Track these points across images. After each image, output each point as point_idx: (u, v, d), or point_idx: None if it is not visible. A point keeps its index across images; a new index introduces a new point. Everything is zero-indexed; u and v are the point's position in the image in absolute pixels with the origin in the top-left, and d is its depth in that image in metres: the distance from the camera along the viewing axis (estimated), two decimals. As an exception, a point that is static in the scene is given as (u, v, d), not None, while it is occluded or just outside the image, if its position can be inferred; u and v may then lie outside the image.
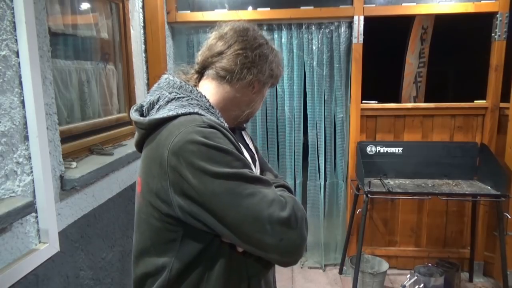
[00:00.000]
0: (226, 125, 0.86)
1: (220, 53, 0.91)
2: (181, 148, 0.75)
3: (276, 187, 0.91)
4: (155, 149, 0.80)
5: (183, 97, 0.87)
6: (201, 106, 0.86)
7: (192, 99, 0.87)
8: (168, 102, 0.86)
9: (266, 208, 0.75)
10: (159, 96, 0.88)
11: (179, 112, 0.81)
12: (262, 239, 0.75)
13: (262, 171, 1.03)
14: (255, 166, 1.00)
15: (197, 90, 0.90)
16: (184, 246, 0.82)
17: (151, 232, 0.85)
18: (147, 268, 0.86)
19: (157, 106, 0.87)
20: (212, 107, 0.88)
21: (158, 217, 0.82)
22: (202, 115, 0.82)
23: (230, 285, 0.85)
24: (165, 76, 0.93)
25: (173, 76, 0.93)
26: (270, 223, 0.75)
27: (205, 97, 0.89)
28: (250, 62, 0.91)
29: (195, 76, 0.97)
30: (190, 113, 0.82)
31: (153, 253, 0.85)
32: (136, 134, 0.91)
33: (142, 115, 0.91)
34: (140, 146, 0.90)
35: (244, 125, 1.08)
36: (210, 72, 0.93)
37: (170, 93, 0.87)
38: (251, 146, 1.05)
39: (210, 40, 0.94)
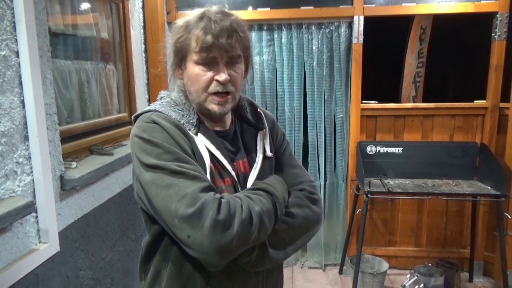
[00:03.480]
0: (192, 120, 0.93)
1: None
2: (131, 141, 0.89)
3: (253, 189, 0.91)
4: None
5: (163, 96, 1.00)
6: (170, 103, 0.95)
7: (167, 96, 0.99)
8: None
9: (176, 202, 0.77)
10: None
11: (143, 110, 0.94)
12: (175, 233, 0.79)
13: (264, 174, 0.99)
14: (251, 167, 0.98)
15: (178, 90, 0.98)
16: (152, 226, 0.93)
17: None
18: (144, 240, 0.99)
19: None
20: (185, 103, 0.95)
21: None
22: (158, 111, 0.91)
23: (186, 271, 0.90)
24: None
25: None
26: (176, 217, 0.77)
27: (182, 95, 0.97)
28: (170, 53, 0.95)
29: None
30: (148, 111, 0.93)
31: (147, 227, 0.98)
32: None
33: None
34: None
35: (265, 124, 1.05)
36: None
37: (162, 95, 1.01)
38: (260, 146, 1.02)
39: None
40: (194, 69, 0.90)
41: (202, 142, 0.91)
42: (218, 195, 0.81)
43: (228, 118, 1.02)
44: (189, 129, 0.91)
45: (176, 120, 0.90)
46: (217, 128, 0.99)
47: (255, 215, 0.81)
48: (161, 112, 0.91)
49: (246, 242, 0.80)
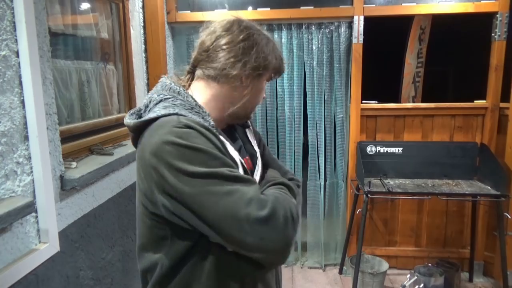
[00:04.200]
0: (211, 123, 0.86)
1: (206, 51, 0.91)
2: (158, 149, 0.77)
3: (273, 185, 0.91)
4: (141, 151, 0.83)
5: (169, 98, 0.88)
6: (185, 106, 0.86)
7: (177, 99, 0.88)
8: (156, 104, 0.88)
9: (244, 207, 0.74)
10: (150, 99, 0.90)
11: (160, 114, 0.83)
12: (242, 239, 0.75)
13: (265, 169, 1.01)
14: (255, 164, 1.00)
15: (184, 90, 0.91)
16: (174, 243, 0.84)
17: (145, 229, 0.88)
18: (145, 264, 0.89)
19: (148, 109, 0.89)
20: (199, 107, 0.88)
21: (148, 215, 0.85)
22: (183, 115, 0.83)
23: (222, 284, 0.85)
24: (161, 79, 0.96)
25: (167, 79, 0.94)
26: (248, 222, 0.74)
27: (192, 97, 0.90)
28: (234, 57, 0.88)
29: (188, 76, 0.97)
30: (169, 114, 0.83)
31: (149, 249, 0.88)
32: (130, 137, 0.94)
33: (140, 118, 0.92)
34: (136, 147, 0.92)
35: (249, 122, 1.07)
36: (198, 72, 0.94)
37: (158, 95, 0.89)
38: (254, 143, 1.04)
39: (200, 39, 0.94)
40: (263, 85, 0.96)
41: (229, 144, 0.90)
42: (278, 194, 0.85)
43: None
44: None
45: (205, 124, 0.84)
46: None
47: (296, 209, 0.84)
48: (185, 116, 0.83)
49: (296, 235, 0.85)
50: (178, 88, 0.91)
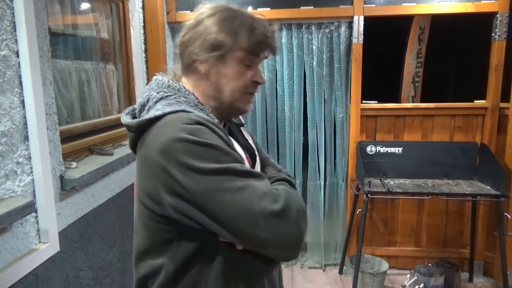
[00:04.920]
0: (216, 121, 0.85)
1: (185, 44, 0.89)
2: (168, 147, 0.74)
3: (276, 181, 0.91)
4: (145, 150, 0.80)
5: (170, 95, 0.86)
6: (189, 103, 0.85)
7: (179, 96, 0.86)
8: (156, 102, 0.85)
9: (258, 201, 0.73)
10: (148, 97, 0.87)
11: (166, 111, 0.80)
12: (256, 234, 0.74)
13: (263, 167, 1.02)
14: (255, 162, 0.99)
15: (184, 87, 0.89)
16: (180, 246, 0.81)
17: (148, 233, 0.84)
18: (146, 270, 0.86)
19: (147, 108, 0.86)
20: (201, 104, 0.87)
21: (153, 218, 0.81)
22: (189, 112, 0.81)
23: (230, 284, 0.84)
24: (155, 77, 0.93)
25: (162, 76, 0.92)
26: (262, 216, 0.73)
27: (193, 94, 0.89)
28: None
29: (179, 73, 0.95)
30: (176, 111, 0.80)
31: (151, 254, 0.85)
32: (128, 137, 0.89)
33: (134, 117, 0.90)
34: (134, 148, 0.89)
35: (243, 121, 1.07)
36: (183, 66, 0.92)
37: (158, 92, 0.87)
38: (250, 141, 1.04)
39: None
40: (236, 67, 0.87)
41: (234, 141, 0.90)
42: (287, 188, 0.84)
43: None
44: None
45: (212, 120, 0.82)
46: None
47: (302, 201, 0.85)
48: (191, 112, 0.81)
49: None
50: (177, 85, 0.89)
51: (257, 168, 0.99)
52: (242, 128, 1.06)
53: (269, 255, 0.81)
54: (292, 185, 0.92)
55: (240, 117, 1.07)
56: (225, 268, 0.83)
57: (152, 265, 0.84)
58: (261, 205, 0.73)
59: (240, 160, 0.80)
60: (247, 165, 0.86)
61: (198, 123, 0.77)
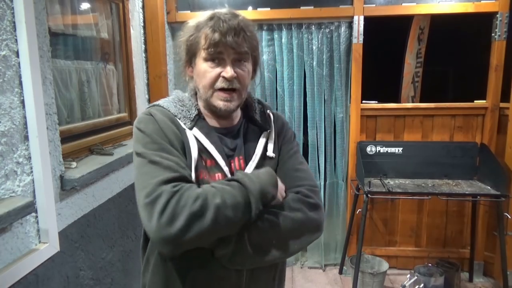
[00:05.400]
0: (193, 115, 0.98)
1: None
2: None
3: (228, 180, 0.89)
4: None
5: (172, 94, 1.05)
6: (174, 99, 1.01)
7: (175, 94, 1.03)
8: None
9: (140, 189, 0.84)
10: None
11: (150, 104, 1.02)
12: (142, 216, 0.83)
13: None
14: (246, 164, 0.98)
15: (189, 89, 1.04)
16: None
17: None
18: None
19: None
20: (189, 100, 1.01)
21: None
22: (159, 105, 0.98)
23: (168, 267, 0.94)
24: None
25: None
26: (139, 204, 0.83)
27: (188, 93, 1.04)
28: (182, 51, 1.01)
29: None
30: (154, 105, 0.99)
31: None
32: None
33: None
34: None
35: (272, 125, 1.06)
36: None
37: (173, 93, 1.06)
38: (261, 146, 1.01)
39: None
40: (202, 65, 0.95)
41: (194, 136, 0.95)
42: (177, 188, 0.81)
43: (237, 117, 1.04)
44: (184, 123, 0.96)
45: (171, 114, 0.96)
46: (221, 125, 1.01)
47: (211, 207, 0.79)
48: (162, 107, 0.98)
49: (198, 236, 0.79)
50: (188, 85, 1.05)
51: (250, 168, 0.98)
52: (264, 133, 1.04)
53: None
54: (245, 187, 0.85)
55: (272, 122, 1.07)
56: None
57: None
58: (139, 193, 0.84)
59: (168, 150, 0.89)
60: (193, 159, 0.92)
61: (150, 114, 0.95)
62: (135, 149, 0.91)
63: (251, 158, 1.00)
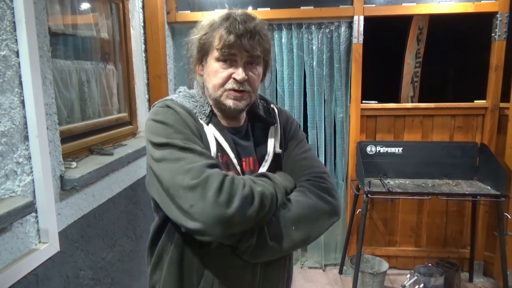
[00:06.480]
0: (206, 111, 0.98)
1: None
2: (145, 126, 0.95)
3: (256, 176, 0.94)
4: None
5: (181, 91, 1.04)
6: (186, 95, 1.01)
7: (185, 91, 1.03)
8: None
9: (182, 173, 0.81)
10: None
11: (159, 100, 1.00)
12: (178, 204, 0.81)
13: (272, 172, 1.00)
14: (260, 165, 1.00)
15: (197, 85, 1.05)
16: (160, 210, 0.93)
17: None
18: (153, 224, 1.02)
19: None
20: (201, 97, 1.01)
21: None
22: (173, 100, 0.97)
23: (186, 254, 0.93)
24: None
25: None
26: (181, 187, 0.80)
27: (200, 91, 1.03)
28: (193, 49, 1.00)
29: None
30: (165, 99, 0.99)
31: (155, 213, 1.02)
32: None
33: None
34: None
35: (277, 119, 1.09)
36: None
37: (180, 89, 1.06)
38: (271, 142, 1.04)
39: None
40: (214, 64, 0.95)
41: (212, 132, 0.96)
42: (223, 172, 0.85)
43: (243, 117, 1.05)
44: (201, 118, 0.96)
45: (188, 109, 0.96)
46: (231, 125, 1.02)
47: (256, 194, 0.83)
48: (176, 101, 0.97)
49: (246, 219, 0.81)
50: (197, 83, 1.05)
51: (264, 168, 1.00)
52: (271, 127, 1.06)
53: (193, 234, 0.83)
54: (272, 181, 0.92)
55: (277, 116, 1.09)
56: (182, 240, 0.93)
57: (153, 223, 1.02)
58: (182, 177, 0.81)
59: (192, 140, 0.88)
60: (213, 154, 0.93)
61: (167, 106, 0.94)
62: (155, 141, 0.87)
63: (264, 158, 1.02)
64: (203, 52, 0.97)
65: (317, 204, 0.94)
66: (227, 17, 0.93)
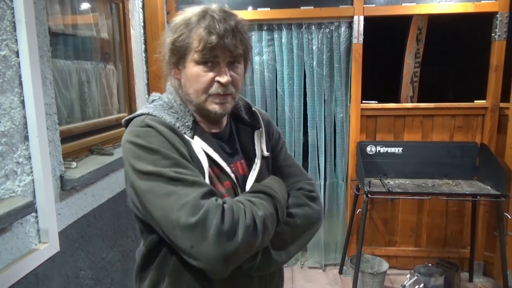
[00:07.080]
0: (188, 123, 0.89)
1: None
2: (123, 147, 0.84)
3: (253, 192, 0.88)
4: None
5: (155, 99, 0.94)
6: (163, 106, 0.90)
7: (160, 99, 0.94)
8: (148, 104, 0.94)
9: (176, 211, 0.74)
10: (152, 99, 0.97)
11: (134, 114, 0.90)
12: (176, 242, 0.76)
13: (262, 175, 0.97)
14: (251, 168, 0.96)
15: (171, 91, 0.95)
16: (148, 235, 0.89)
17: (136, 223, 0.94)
18: (139, 251, 0.96)
19: None
20: (180, 106, 0.91)
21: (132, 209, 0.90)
22: (152, 115, 0.87)
23: (185, 279, 0.86)
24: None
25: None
26: (178, 227, 0.73)
27: (177, 97, 0.93)
28: (168, 51, 0.91)
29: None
30: (141, 114, 0.88)
31: (142, 238, 0.95)
32: None
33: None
34: None
35: (261, 123, 1.03)
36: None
37: (155, 97, 0.96)
38: (258, 146, 1.00)
39: None
40: (193, 68, 0.86)
41: (199, 146, 0.88)
42: (220, 201, 0.78)
43: (224, 119, 0.98)
44: (184, 133, 0.87)
45: (171, 124, 0.86)
46: (213, 130, 0.95)
47: (258, 221, 0.78)
48: (155, 116, 0.87)
49: (251, 249, 0.78)
50: (170, 88, 0.95)
51: (253, 175, 0.95)
52: (256, 131, 1.02)
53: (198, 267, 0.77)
54: (272, 197, 0.87)
55: (261, 120, 1.04)
56: (180, 265, 0.86)
57: (139, 249, 0.96)
58: (178, 215, 0.74)
59: (182, 165, 0.80)
60: (206, 175, 0.85)
61: (148, 125, 0.83)
62: (140, 168, 0.78)
63: (253, 161, 0.98)
64: (179, 55, 0.87)
65: (310, 215, 0.95)
66: (203, 15, 0.84)
